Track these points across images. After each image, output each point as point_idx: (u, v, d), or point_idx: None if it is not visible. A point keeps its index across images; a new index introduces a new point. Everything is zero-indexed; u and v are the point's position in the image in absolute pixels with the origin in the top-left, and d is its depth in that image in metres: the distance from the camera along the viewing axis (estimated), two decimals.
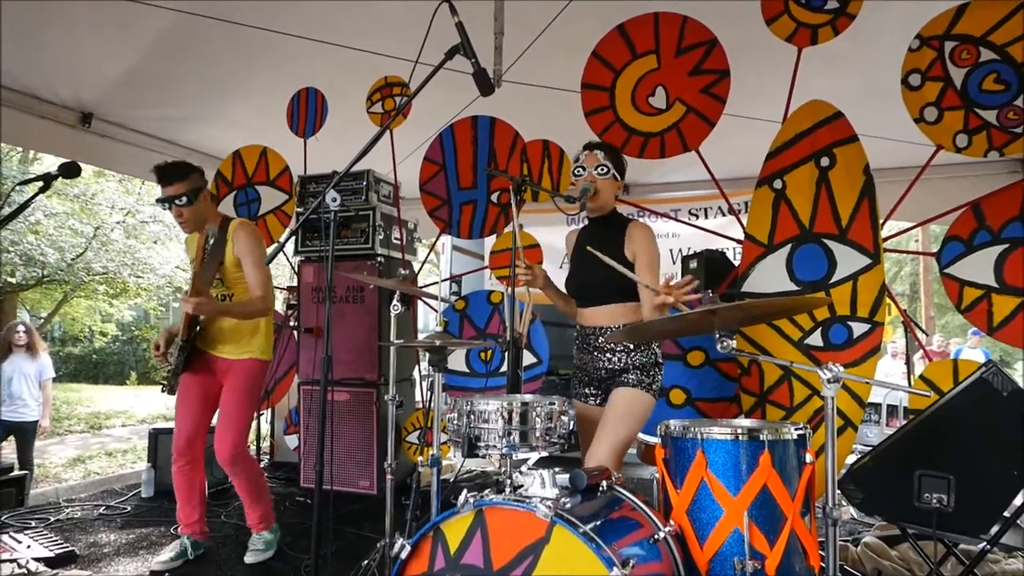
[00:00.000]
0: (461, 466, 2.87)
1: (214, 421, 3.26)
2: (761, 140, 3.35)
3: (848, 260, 3.11)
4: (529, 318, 2.94)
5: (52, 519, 3.84)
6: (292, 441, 5.05)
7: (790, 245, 3.22)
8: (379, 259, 4.48)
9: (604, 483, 1.98)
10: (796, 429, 1.93)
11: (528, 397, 2.18)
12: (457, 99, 4.02)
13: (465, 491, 1.79)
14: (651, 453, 2.83)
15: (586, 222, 2.80)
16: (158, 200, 3.12)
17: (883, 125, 3.69)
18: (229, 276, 3.12)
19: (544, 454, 2.07)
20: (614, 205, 2.70)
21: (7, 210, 2.41)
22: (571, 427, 2.12)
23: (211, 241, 3.03)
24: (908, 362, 5.20)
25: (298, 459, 4.65)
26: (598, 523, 1.70)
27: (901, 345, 10.98)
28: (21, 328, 6.01)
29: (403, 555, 1.79)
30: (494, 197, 4.17)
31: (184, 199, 3.05)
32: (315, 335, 4.52)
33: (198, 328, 3.14)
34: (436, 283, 5.01)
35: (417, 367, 4.75)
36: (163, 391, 3.09)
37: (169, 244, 15.31)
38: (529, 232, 4.20)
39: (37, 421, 5.78)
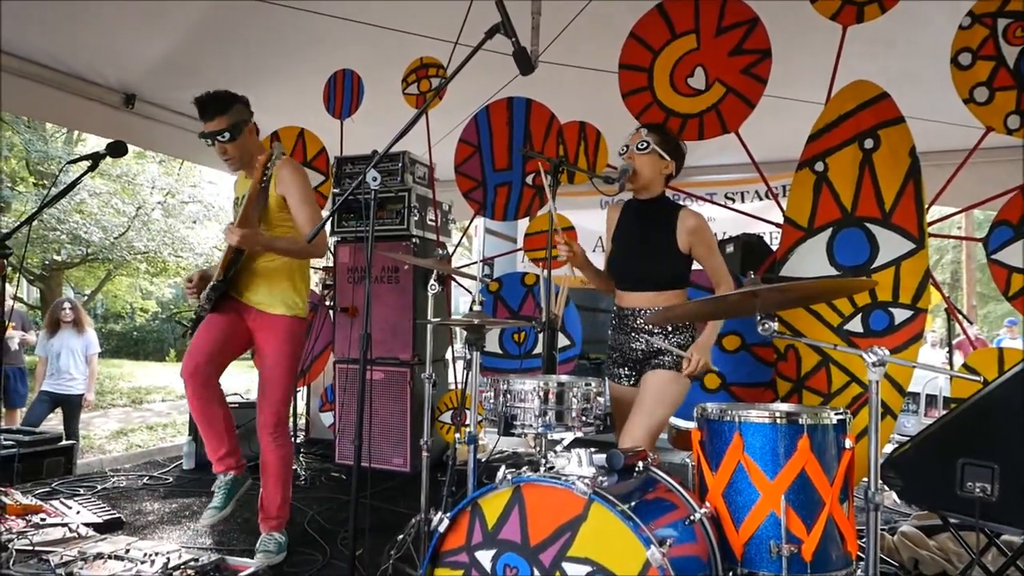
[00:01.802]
0: (495, 445, 2.89)
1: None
2: (802, 122, 3.28)
3: (891, 245, 3.04)
4: (564, 300, 2.95)
5: (99, 487, 3.99)
6: (327, 418, 5.15)
7: (831, 229, 3.16)
8: (414, 240, 4.51)
9: (640, 463, 1.99)
10: (836, 414, 1.91)
11: (564, 377, 2.19)
12: (492, 81, 4.01)
13: (504, 467, 1.82)
14: (683, 438, 2.83)
15: (628, 197, 2.72)
16: (200, 135, 2.85)
17: (929, 107, 3.59)
18: (272, 217, 2.88)
19: (579, 434, 2.08)
20: (662, 188, 2.63)
21: (55, 190, 2.48)
22: (606, 408, 2.13)
23: (273, 164, 2.73)
24: (950, 350, 5.10)
25: (333, 436, 4.74)
26: (635, 502, 1.71)
27: (940, 335, 10.74)
28: (67, 305, 6.20)
29: (441, 528, 1.82)
30: (529, 179, 4.17)
31: (227, 135, 2.78)
32: (351, 314, 4.58)
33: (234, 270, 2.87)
34: (471, 264, 5.03)
35: (450, 348, 4.80)
36: (184, 335, 2.89)
37: (207, 224, 15.61)
38: (564, 214, 4.18)
39: (83, 394, 5.98)
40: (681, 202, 2.97)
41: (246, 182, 2.97)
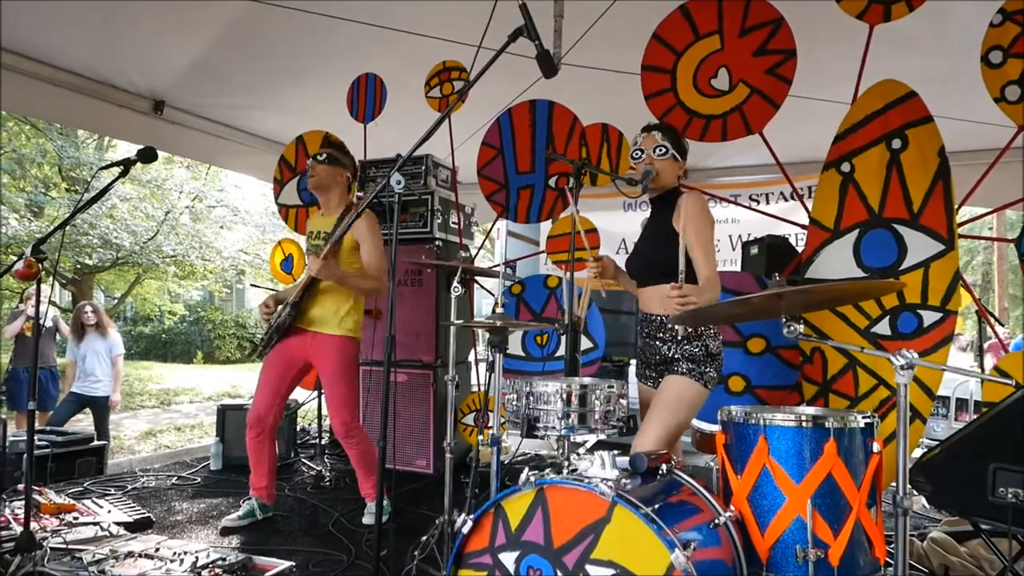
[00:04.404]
0: (518, 447, 2.90)
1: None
2: (828, 122, 3.25)
3: (920, 246, 2.99)
4: (587, 302, 2.94)
5: (129, 487, 4.05)
6: None
7: (858, 230, 3.12)
8: (437, 243, 4.54)
9: (664, 466, 1.98)
10: (863, 417, 1.89)
11: (587, 380, 2.19)
12: (514, 83, 4.02)
13: (527, 469, 1.82)
14: (707, 441, 2.81)
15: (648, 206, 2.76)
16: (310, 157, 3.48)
17: (959, 106, 3.53)
18: (343, 257, 3.34)
19: (602, 436, 2.08)
20: (676, 185, 2.65)
21: (88, 195, 2.54)
22: (629, 410, 2.12)
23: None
24: (981, 353, 5.00)
25: None
26: (659, 505, 1.70)
27: (969, 337, 10.48)
28: (88, 308, 6.34)
29: (465, 529, 1.83)
30: (551, 181, 4.17)
31: (324, 155, 3.40)
32: (374, 317, 4.61)
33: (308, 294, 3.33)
34: (493, 267, 5.04)
35: (473, 350, 4.81)
36: (251, 353, 3.23)
37: (234, 227, 15.82)
38: (587, 216, 4.17)
39: (108, 395, 6.08)
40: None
41: (320, 220, 3.47)
